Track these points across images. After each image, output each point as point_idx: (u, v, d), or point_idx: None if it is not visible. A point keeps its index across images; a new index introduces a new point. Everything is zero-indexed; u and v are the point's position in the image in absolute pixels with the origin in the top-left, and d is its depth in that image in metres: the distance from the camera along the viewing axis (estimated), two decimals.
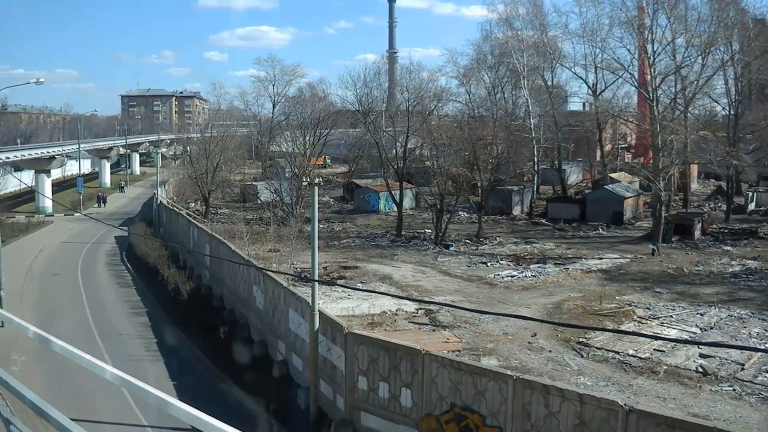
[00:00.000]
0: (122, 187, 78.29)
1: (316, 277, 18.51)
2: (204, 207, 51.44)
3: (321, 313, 17.59)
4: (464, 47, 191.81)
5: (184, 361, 23.32)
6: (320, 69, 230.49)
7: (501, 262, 35.22)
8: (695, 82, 44.15)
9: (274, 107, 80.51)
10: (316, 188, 18.77)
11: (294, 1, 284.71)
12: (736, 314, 25.06)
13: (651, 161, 47.38)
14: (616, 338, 21.79)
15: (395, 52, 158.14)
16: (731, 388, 17.99)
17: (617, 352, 20.71)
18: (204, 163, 51.63)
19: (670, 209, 44.33)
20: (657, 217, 39.09)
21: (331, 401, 17.09)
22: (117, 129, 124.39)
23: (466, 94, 61.30)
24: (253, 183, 61.11)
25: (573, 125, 64.58)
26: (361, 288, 27.32)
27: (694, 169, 60.45)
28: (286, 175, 51.86)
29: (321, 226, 23.14)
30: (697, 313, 25.25)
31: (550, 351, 21.06)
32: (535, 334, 22.32)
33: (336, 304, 25.30)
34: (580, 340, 21.85)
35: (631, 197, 48.85)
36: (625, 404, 11.62)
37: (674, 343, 20.82)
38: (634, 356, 20.36)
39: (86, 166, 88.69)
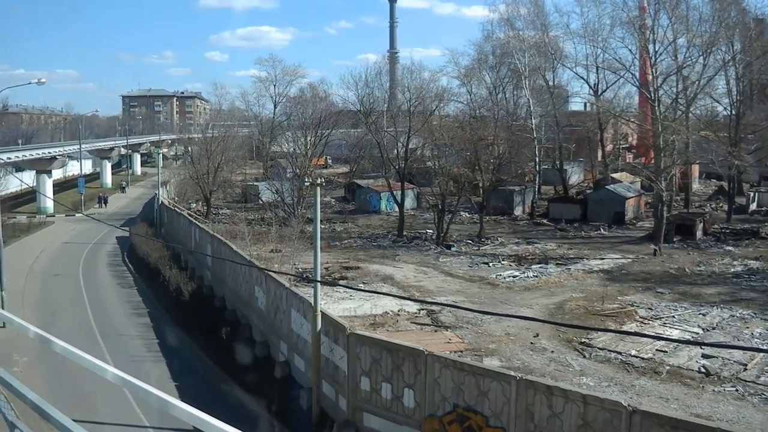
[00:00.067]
0: (123, 188, 78.33)
1: (319, 278, 18.47)
2: (205, 207, 51.44)
3: (323, 314, 17.56)
4: (465, 47, 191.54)
5: (185, 361, 23.30)
6: (321, 69, 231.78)
7: (503, 262, 35.18)
8: (697, 82, 44.10)
9: (275, 107, 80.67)
10: (319, 189, 18.75)
11: (294, 1, 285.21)
12: (738, 314, 25.01)
13: (652, 161, 47.38)
14: (618, 339, 21.74)
15: (396, 53, 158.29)
16: (734, 389, 17.94)
17: (620, 353, 20.67)
18: (205, 164, 51.62)
19: (672, 209, 44.30)
20: (658, 218, 39.04)
21: (333, 402, 17.05)
22: (118, 129, 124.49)
23: (468, 94, 61.29)
24: (255, 183, 61.12)
25: (574, 125, 64.51)
26: (363, 288, 27.27)
27: (696, 169, 60.40)
28: (288, 175, 51.85)
29: (322, 226, 23.03)
30: (700, 314, 25.21)
31: (553, 351, 21.02)
32: (537, 335, 22.28)
33: (338, 305, 25.27)
34: (583, 340, 21.81)
35: (632, 197, 48.82)
36: (628, 405, 11.58)
37: (677, 344, 20.76)
38: (637, 357, 20.31)
39: (87, 167, 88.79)
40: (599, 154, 62.47)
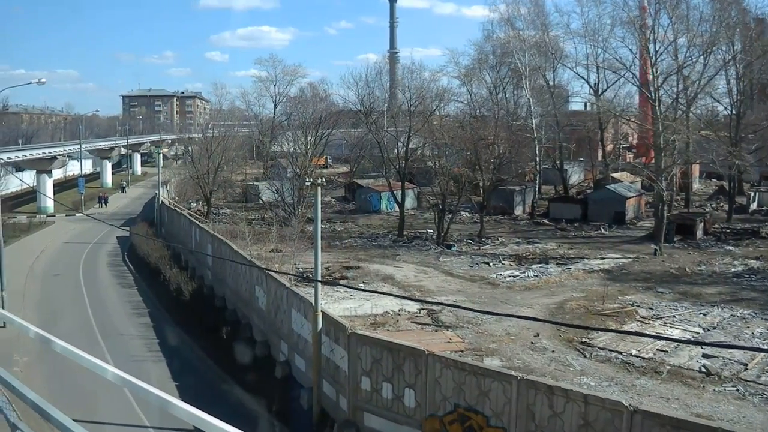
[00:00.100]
0: (124, 188, 78.32)
1: (320, 278, 18.45)
2: (206, 207, 51.42)
3: (324, 314, 17.54)
4: (465, 47, 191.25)
5: (186, 361, 23.30)
6: (321, 69, 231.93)
7: (503, 262, 35.17)
8: (697, 82, 44.07)
9: (275, 107, 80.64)
10: (320, 188, 18.73)
11: (295, 1, 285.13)
12: (738, 314, 25.00)
13: (653, 161, 47.36)
14: (618, 338, 21.73)
15: (396, 52, 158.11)
16: (734, 389, 17.93)
17: (620, 353, 20.66)
18: (205, 164, 51.60)
19: (672, 209, 44.27)
20: (659, 217, 39.02)
21: (334, 402, 17.04)
22: (118, 129, 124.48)
23: (468, 94, 61.18)
24: (255, 183, 61.11)
25: (575, 125, 64.52)
26: (363, 288, 27.24)
27: (696, 168, 60.38)
28: (288, 175, 51.84)
29: (323, 226, 22.96)
30: (700, 313, 25.20)
31: (553, 351, 21.01)
32: (538, 335, 22.27)
33: (338, 305, 25.26)
34: (583, 340, 21.80)
35: (633, 197, 48.80)
36: (629, 405, 11.56)
37: (677, 344, 20.75)
38: (637, 356, 20.30)
39: (88, 167, 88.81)
40: (599, 153, 62.44)
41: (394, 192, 47.09)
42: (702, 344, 20.27)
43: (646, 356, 20.30)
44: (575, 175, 66.82)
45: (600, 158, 61.89)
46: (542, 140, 57.31)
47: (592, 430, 11.73)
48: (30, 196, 62.39)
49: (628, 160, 73.66)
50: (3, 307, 25.25)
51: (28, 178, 61.13)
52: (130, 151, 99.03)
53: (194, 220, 38.12)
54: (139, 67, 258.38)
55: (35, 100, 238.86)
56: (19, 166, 64.09)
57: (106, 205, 65.21)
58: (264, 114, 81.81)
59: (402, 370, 14.95)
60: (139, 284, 35.16)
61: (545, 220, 47.91)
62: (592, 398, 12.05)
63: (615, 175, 57.38)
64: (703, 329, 23.35)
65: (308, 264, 29.45)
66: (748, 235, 41.14)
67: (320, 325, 17.35)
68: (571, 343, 21.67)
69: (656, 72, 42.41)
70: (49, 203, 57.86)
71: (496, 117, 55.43)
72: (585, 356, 20.58)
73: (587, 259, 35.50)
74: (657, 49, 42.47)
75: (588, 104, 66.87)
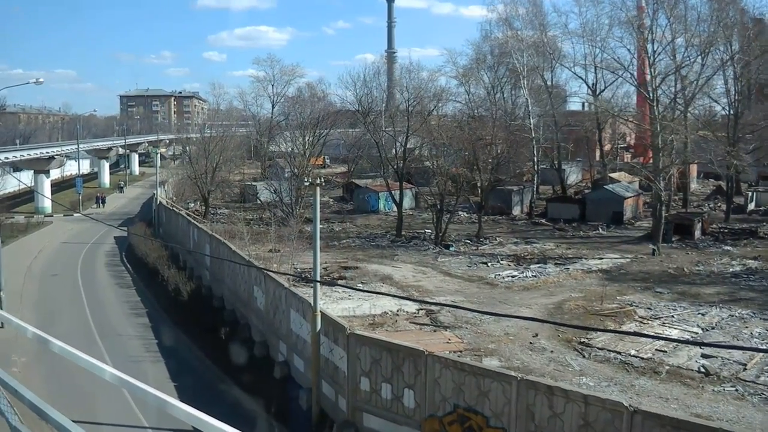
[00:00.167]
0: (121, 188, 78.20)
1: (318, 278, 18.42)
2: (203, 207, 51.38)
3: (323, 314, 17.51)
4: (463, 47, 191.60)
5: (184, 361, 23.23)
6: (319, 69, 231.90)
7: (501, 262, 35.16)
8: (695, 82, 44.13)
9: (273, 107, 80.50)
10: (318, 189, 18.69)
11: (292, 1, 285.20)
12: (737, 314, 24.99)
13: (651, 161, 47.40)
14: (617, 338, 21.72)
15: (394, 52, 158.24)
16: (734, 389, 17.92)
17: (619, 353, 20.64)
18: (203, 164, 51.58)
19: (670, 209, 44.30)
20: (657, 217, 39.05)
21: (333, 402, 17.00)
22: (116, 129, 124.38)
23: (466, 94, 61.34)
24: (253, 183, 61.06)
25: (572, 125, 64.58)
26: (361, 288, 27.24)
27: (694, 168, 60.48)
28: (286, 175, 51.82)
29: (321, 226, 22.89)
30: (699, 313, 25.19)
31: (552, 351, 20.99)
32: (537, 335, 22.24)
33: (337, 305, 25.23)
34: (582, 340, 21.78)
35: (630, 197, 48.83)
36: (629, 405, 11.54)
37: (676, 344, 20.74)
38: (636, 356, 20.28)
39: (85, 167, 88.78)
40: (597, 153, 62.53)
41: (392, 192, 47.07)
42: (701, 344, 20.25)
43: (645, 356, 20.28)
44: (573, 175, 66.88)
45: (598, 158, 61.97)
46: (540, 140, 57.35)
47: (592, 430, 11.71)
48: (28, 196, 62.29)
49: (626, 160, 73.84)
50: (1, 308, 25.20)
51: (26, 178, 61.07)
52: (127, 151, 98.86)
53: (192, 220, 38.07)
54: (137, 67, 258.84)
55: (32, 100, 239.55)
56: (16, 166, 64.03)
57: (103, 205, 65.10)
58: (262, 114, 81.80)
59: (401, 371, 14.92)
60: (137, 284, 35.09)
61: (543, 220, 47.91)
62: (592, 398, 12.03)
63: (613, 175, 57.44)
64: (702, 329, 23.34)
65: (306, 264, 29.48)
66: (746, 235, 41.17)
67: (319, 326, 17.32)
68: (569, 344, 21.65)
69: (654, 72, 42.44)
70: (47, 203, 57.80)
71: (494, 117, 55.50)
72: (584, 356, 20.56)
73: (585, 259, 35.50)
74: (655, 49, 42.55)
75: (586, 104, 67.03)
